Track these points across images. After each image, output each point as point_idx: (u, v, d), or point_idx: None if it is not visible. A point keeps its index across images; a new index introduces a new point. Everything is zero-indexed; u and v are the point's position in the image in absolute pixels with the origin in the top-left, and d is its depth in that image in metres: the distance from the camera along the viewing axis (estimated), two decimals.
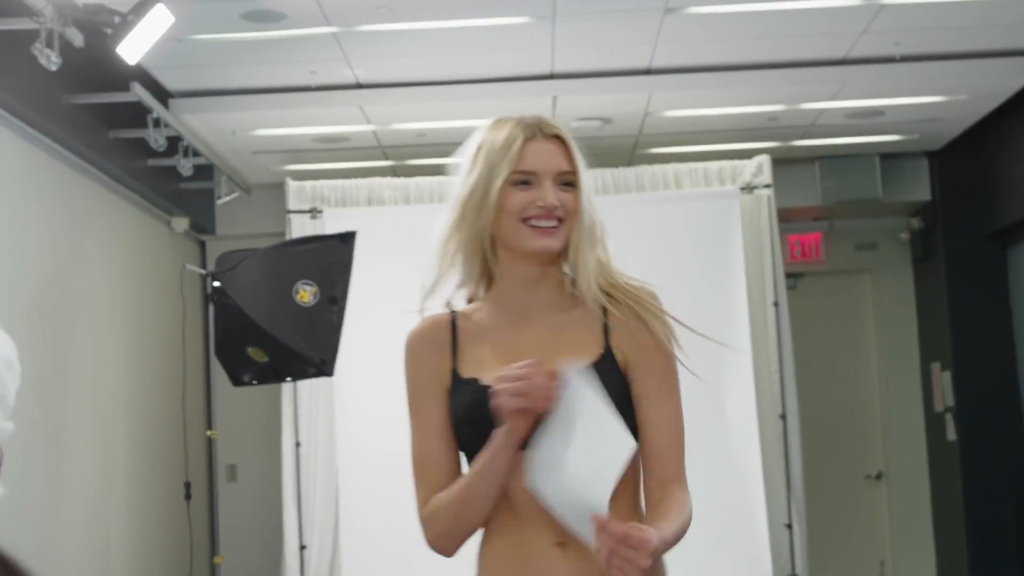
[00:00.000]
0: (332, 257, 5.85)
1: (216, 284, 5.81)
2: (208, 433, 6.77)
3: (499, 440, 2.14)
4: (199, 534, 7.34)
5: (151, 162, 6.91)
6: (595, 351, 2.25)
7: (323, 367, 5.81)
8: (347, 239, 5.88)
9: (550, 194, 2.24)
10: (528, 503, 2.16)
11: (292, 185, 7.47)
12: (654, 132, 7.77)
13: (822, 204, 8.47)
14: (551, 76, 6.84)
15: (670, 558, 2.23)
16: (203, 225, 8.29)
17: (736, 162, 7.55)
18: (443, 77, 6.80)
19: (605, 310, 2.28)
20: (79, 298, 6.18)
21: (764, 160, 7.49)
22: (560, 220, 2.26)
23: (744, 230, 7.33)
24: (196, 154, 7.01)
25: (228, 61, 6.36)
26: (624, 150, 8.10)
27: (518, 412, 2.10)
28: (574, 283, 2.30)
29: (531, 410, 2.10)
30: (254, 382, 5.92)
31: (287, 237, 7.18)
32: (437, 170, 7.51)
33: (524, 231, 2.25)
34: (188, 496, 6.44)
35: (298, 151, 7.87)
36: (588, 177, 2.31)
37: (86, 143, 6.09)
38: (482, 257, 2.30)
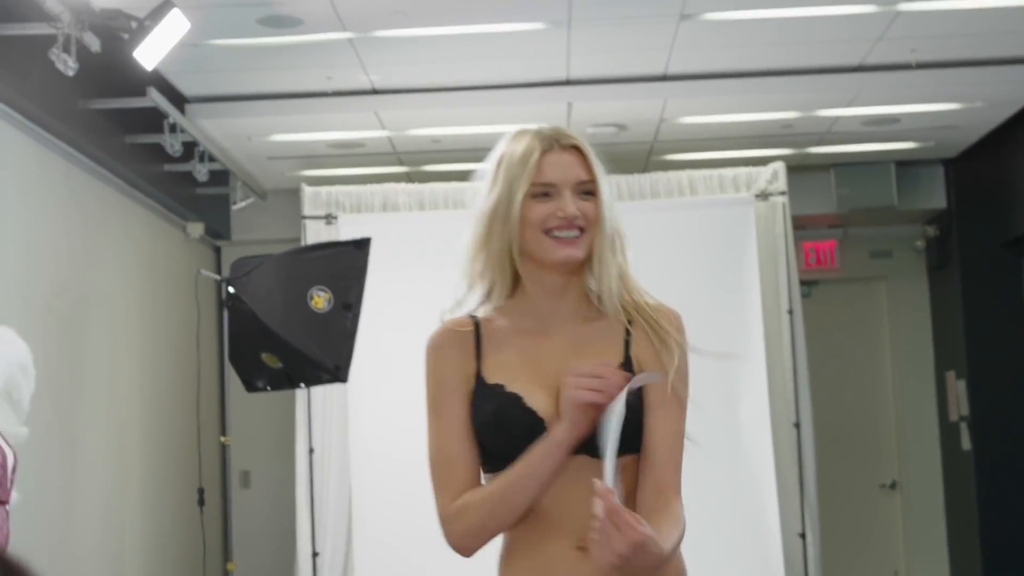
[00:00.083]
0: (347, 263, 5.85)
1: (231, 290, 5.81)
2: (222, 439, 6.78)
3: (559, 435, 2.16)
4: (212, 540, 7.35)
5: (167, 167, 6.93)
6: (615, 361, 2.27)
7: (337, 373, 5.81)
8: (362, 245, 5.88)
9: (570, 205, 2.27)
10: (550, 507, 2.18)
11: (307, 191, 7.48)
12: (669, 138, 7.76)
13: (837, 211, 8.46)
14: (566, 82, 6.84)
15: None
16: (218, 230, 8.31)
17: (751, 169, 7.53)
18: (458, 83, 6.81)
19: (629, 320, 2.31)
20: (94, 303, 6.19)
21: (779, 167, 7.48)
22: (582, 229, 2.28)
23: (759, 237, 7.32)
24: (212, 159, 7.02)
25: (244, 66, 6.38)
26: (639, 156, 8.10)
27: (588, 406, 2.13)
28: (599, 296, 2.33)
29: (600, 406, 2.12)
30: (268, 388, 5.92)
31: (302, 243, 7.18)
32: (452, 176, 7.57)
33: (547, 242, 2.27)
34: (201, 502, 6.45)
35: (313, 157, 7.88)
36: (608, 185, 2.33)
37: (102, 148, 6.10)
38: (511, 269, 2.33)
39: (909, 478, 8.99)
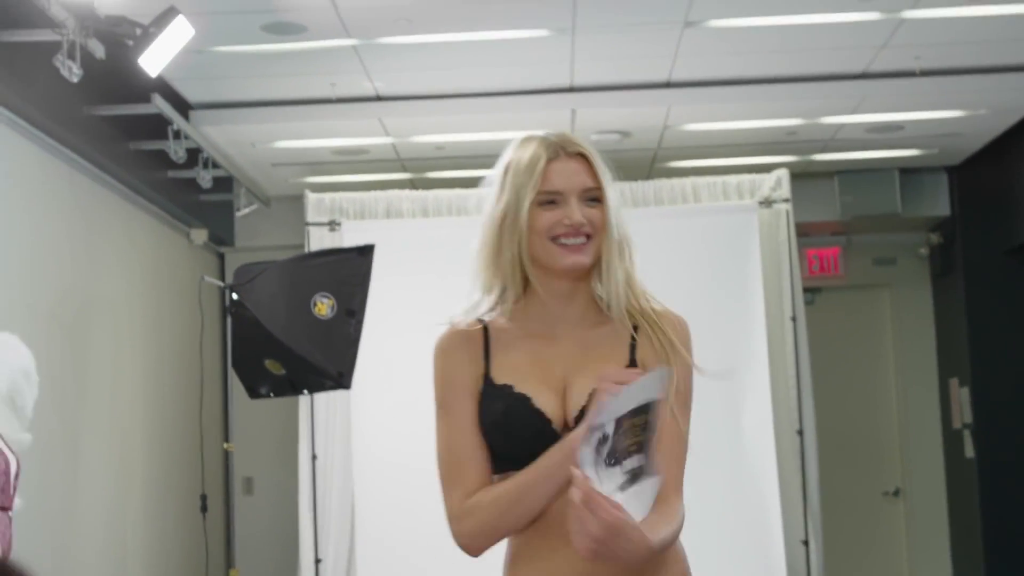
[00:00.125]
0: (350, 270, 5.85)
1: (234, 296, 5.82)
2: (225, 445, 6.78)
3: (579, 439, 2.11)
4: (215, 547, 7.35)
5: (171, 174, 6.94)
6: (621, 365, 2.29)
7: (340, 380, 5.81)
8: (365, 252, 5.88)
9: (576, 212, 2.29)
10: (559, 513, 2.16)
11: (311, 197, 7.48)
12: (673, 145, 7.76)
13: (841, 218, 8.46)
14: (570, 89, 6.84)
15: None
16: (222, 237, 8.31)
17: (755, 176, 7.53)
18: (462, 90, 6.81)
19: (635, 325, 2.33)
20: (97, 309, 6.20)
21: (783, 174, 7.48)
22: (588, 236, 2.31)
23: (762, 244, 7.31)
24: (216, 166, 7.03)
25: (248, 73, 6.38)
26: (643, 163, 8.10)
27: None
28: (606, 301, 2.34)
29: None
30: (271, 394, 5.92)
31: (306, 249, 7.18)
32: (456, 183, 7.58)
33: (554, 250, 2.30)
34: (204, 508, 6.44)
35: (317, 163, 7.89)
36: (614, 192, 2.35)
37: (106, 154, 6.11)
38: (522, 275, 2.34)
39: (912, 486, 8.98)
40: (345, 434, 7.21)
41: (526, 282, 2.35)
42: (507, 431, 2.25)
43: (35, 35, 4.89)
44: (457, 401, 2.32)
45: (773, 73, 6.69)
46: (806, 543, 7.19)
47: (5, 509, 3.66)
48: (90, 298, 6.10)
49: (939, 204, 8.51)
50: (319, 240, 7.33)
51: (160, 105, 5.92)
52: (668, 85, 6.81)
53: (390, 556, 6.98)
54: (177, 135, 6.27)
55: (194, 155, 6.73)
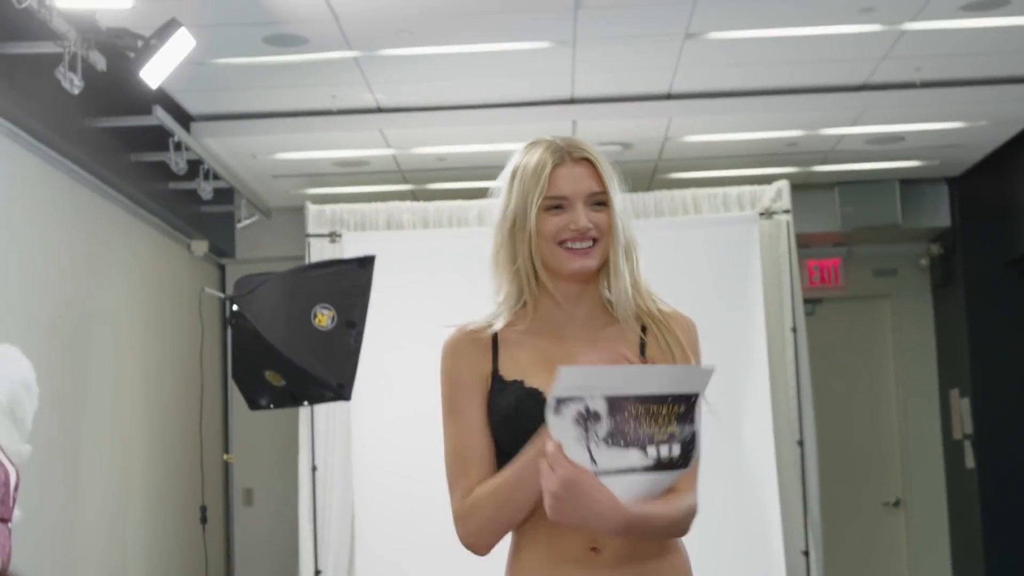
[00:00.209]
0: (350, 281, 5.85)
1: (234, 307, 5.82)
2: (225, 457, 6.78)
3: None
4: (215, 558, 7.34)
5: (172, 185, 6.94)
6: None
7: (340, 391, 5.80)
8: (366, 263, 5.88)
9: (582, 217, 2.33)
10: None
11: (312, 209, 7.48)
12: (674, 157, 7.77)
13: (841, 230, 8.46)
14: (571, 101, 6.85)
15: None
16: (223, 248, 8.32)
17: (755, 187, 7.53)
18: (463, 102, 6.82)
19: (643, 327, 2.37)
20: (98, 320, 6.20)
21: (783, 185, 7.48)
22: (595, 240, 2.34)
23: (763, 255, 7.31)
24: (216, 177, 7.03)
25: (249, 85, 6.39)
26: (643, 175, 8.10)
27: None
28: (611, 302, 2.38)
29: None
30: (271, 406, 5.92)
31: (306, 261, 7.18)
32: (457, 194, 7.58)
33: (561, 254, 2.33)
34: (204, 520, 6.44)
35: (318, 175, 7.89)
36: (620, 195, 2.40)
37: (107, 166, 6.12)
38: (534, 279, 2.36)
39: (913, 496, 8.98)
40: (345, 445, 7.20)
41: (539, 284, 2.37)
42: (517, 425, 2.24)
43: (37, 47, 4.90)
44: (463, 401, 2.33)
45: (773, 85, 6.70)
46: (806, 553, 7.17)
47: (5, 521, 3.65)
48: (91, 309, 6.10)
49: (940, 215, 8.52)
50: (320, 251, 7.33)
51: (161, 117, 5.93)
52: (669, 97, 6.82)
53: (390, 567, 6.96)
54: (178, 147, 6.28)
55: (195, 167, 6.74)
